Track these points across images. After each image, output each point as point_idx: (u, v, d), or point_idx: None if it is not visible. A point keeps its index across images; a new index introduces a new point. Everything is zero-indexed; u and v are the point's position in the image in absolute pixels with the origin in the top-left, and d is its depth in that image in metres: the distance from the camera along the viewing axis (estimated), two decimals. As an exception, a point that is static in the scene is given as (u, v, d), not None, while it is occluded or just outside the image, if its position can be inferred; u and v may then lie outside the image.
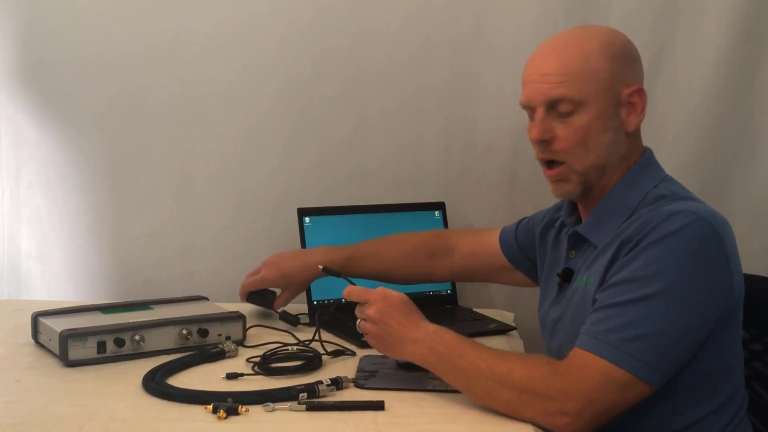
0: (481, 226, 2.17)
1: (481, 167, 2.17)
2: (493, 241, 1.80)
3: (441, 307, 2.04)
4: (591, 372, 1.28)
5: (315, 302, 1.94)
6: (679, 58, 2.10)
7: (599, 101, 1.40)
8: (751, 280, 1.63)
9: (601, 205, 1.45)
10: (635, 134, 1.46)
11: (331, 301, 1.94)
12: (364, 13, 2.14)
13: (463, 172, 2.18)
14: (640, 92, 1.42)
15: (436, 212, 2.13)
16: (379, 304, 1.43)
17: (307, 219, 2.03)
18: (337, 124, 2.18)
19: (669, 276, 1.28)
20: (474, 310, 2.02)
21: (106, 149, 2.22)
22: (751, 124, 2.11)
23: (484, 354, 1.36)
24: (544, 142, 1.43)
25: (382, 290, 1.45)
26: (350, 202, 2.13)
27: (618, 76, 1.40)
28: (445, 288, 2.08)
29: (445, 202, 2.14)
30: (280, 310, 1.88)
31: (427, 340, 1.39)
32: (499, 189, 2.17)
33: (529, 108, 1.46)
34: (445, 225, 2.12)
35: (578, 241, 1.49)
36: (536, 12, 2.09)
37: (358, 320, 1.47)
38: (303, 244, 2.01)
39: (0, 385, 1.46)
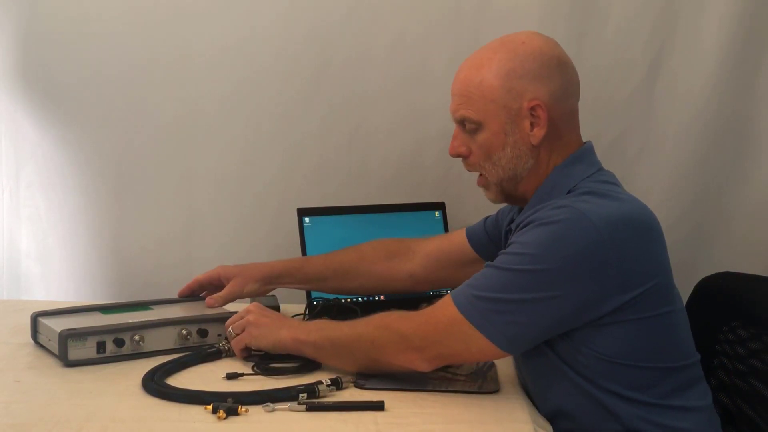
0: (481, 226, 2.17)
1: (481, 167, 2.17)
2: (459, 238, 1.81)
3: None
4: (442, 316, 1.41)
5: (315, 302, 1.94)
6: (679, 59, 2.10)
7: (496, 119, 1.46)
8: (751, 280, 1.64)
9: (529, 202, 1.51)
10: (550, 142, 1.48)
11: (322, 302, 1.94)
12: (364, 16, 2.14)
13: (463, 172, 2.16)
14: (541, 107, 1.44)
15: (436, 212, 2.13)
16: (254, 306, 1.60)
17: (307, 219, 2.03)
18: (337, 125, 2.18)
19: (532, 259, 1.35)
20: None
21: (107, 149, 2.22)
22: (751, 124, 2.11)
23: (347, 321, 1.53)
24: (460, 156, 1.53)
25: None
26: (350, 202, 2.13)
27: (515, 93, 1.45)
28: (446, 289, 2.07)
29: (445, 202, 2.14)
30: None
31: (300, 325, 1.56)
32: (498, 189, 2.17)
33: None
34: (445, 225, 2.12)
35: None
36: (537, 16, 2.09)
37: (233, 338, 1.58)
38: (303, 244, 2.02)
39: (0, 385, 1.46)
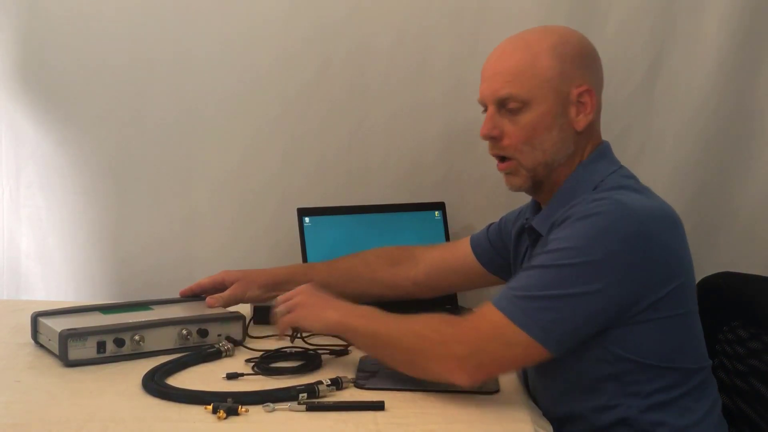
0: (481, 226, 2.15)
1: (481, 167, 2.16)
2: (463, 247, 1.80)
3: (441, 306, 2.04)
4: (484, 321, 1.36)
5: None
6: (679, 59, 2.10)
7: (546, 100, 1.44)
8: (751, 280, 1.64)
9: (552, 199, 1.49)
10: (588, 132, 1.49)
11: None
12: (365, 16, 2.14)
13: (463, 172, 2.19)
14: (590, 92, 1.46)
15: (436, 212, 2.13)
16: (305, 286, 1.58)
17: (307, 219, 2.03)
18: (337, 125, 2.18)
19: (577, 252, 1.33)
20: (474, 309, 2.02)
21: (107, 149, 2.22)
22: (751, 124, 2.11)
23: (396, 315, 1.46)
24: (492, 139, 1.49)
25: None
26: (350, 202, 2.13)
27: (566, 77, 1.45)
28: (449, 295, 2.07)
29: (445, 202, 2.14)
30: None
31: (348, 308, 1.51)
32: (499, 189, 2.15)
33: (483, 105, 1.52)
34: (445, 225, 2.12)
35: (536, 237, 1.51)
36: (537, 15, 2.09)
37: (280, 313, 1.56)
38: (303, 244, 2.02)
39: (0, 385, 1.46)
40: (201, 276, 2.18)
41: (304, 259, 2.01)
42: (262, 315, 1.86)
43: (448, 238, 2.11)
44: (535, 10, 2.10)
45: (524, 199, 2.14)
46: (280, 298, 1.58)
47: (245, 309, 1.83)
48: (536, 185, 1.51)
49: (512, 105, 1.46)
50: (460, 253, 1.80)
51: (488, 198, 2.17)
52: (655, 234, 1.34)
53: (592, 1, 2.10)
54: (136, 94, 2.19)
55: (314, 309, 1.52)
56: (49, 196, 2.25)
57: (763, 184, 2.11)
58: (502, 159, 1.51)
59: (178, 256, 2.23)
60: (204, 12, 2.16)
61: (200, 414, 1.32)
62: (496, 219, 2.15)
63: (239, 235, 2.22)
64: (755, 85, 2.09)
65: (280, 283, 1.80)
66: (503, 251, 1.72)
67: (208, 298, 1.76)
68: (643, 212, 1.35)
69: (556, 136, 1.46)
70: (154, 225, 2.23)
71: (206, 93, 2.19)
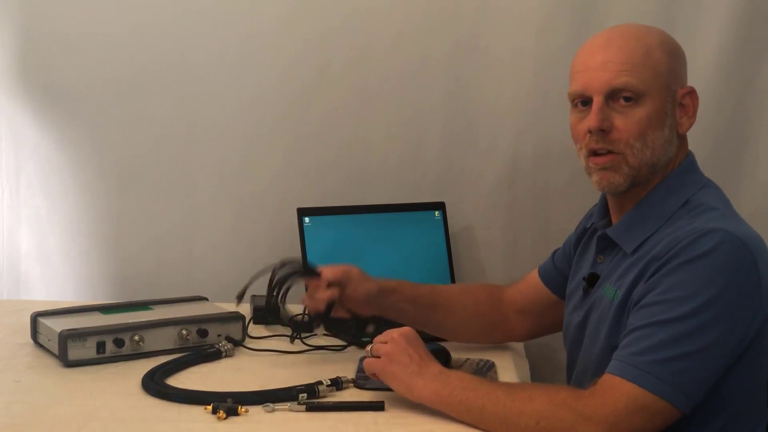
0: (481, 226, 2.17)
1: (481, 167, 2.16)
2: (532, 276, 1.70)
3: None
4: (616, 395, 1.23)
5: (315, 302, 1.94)
6: (679, 59, 2.10)
7: (659, 96, 1.37)
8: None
9: (636, 208, 1.41)
10: (684, 138, 1.43)
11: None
12: (365, 16, 2.14)
13: (463, 171, 2.18)
14: (693, 94, 1.40)
15: (436, 212, 2.13)
16: (401, 336, 1.39)
17: (307, 219, 2.03)
18: (337, 124, 2.18)
19: (698, 298, 1.25)
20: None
21: (107, 149, 2.22)
22: (751, 124, 2.10)
23: (502, 385, 1.35)
24: (602, 131, 1.37)
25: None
26: (350, 202, 2.13)
27: (674, 75, 1.39)
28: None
29: (445, 202, 2.14)
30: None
31: (442, 376, 1.34)
32: (499, 189, 2.17)
33: (583, 97, 1.41)
34: (445, 225, 2.12)
35: (607, 245, 1.45)
36: (537, 15, 2.09)
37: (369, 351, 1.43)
38: (303, 244, 2.01)
39: (0, 385, 1.46)
40: (201, 276, 2.20)
41: (305, 259, 2.00)
42: (262, 315, 1.86)
43: (448, 238, 2.11)
44: (534, 12, 2.09)
45: (524, 201, 2.15)
46: (378, 337, 1.42)
47: (245, 309, 1.83)
48: (630, 188, 1.40)
49: (627, 95, 1.36)
50: (531, 283, 1.69)
51: (488, 198, 2.17)
52: (761, 262, 1.29)
53: (592, 1, 2.10)
54: (136, 94, 2.19)
55: (404, 371, 1.35)
56: (49, 196, 2.25)
57: (762, 184, 2.11)
58: (596, 153, 1.39)
59: (177, 255, 2.23)
60: (205, 13, 2.16)
61: (200, 414, 1.32)
62: (496, 219, 2.16)
63: (239, 235, 2.22)
64: (755, 85, 2.09)
65: (392, 291, 1.63)
66: (566, 271, 1.62)
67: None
68: (750, 241, 1.29)
69: (667, 134, 1.37)
70: (154, 224, 2.23)
71: (206, 92, 2.19)
